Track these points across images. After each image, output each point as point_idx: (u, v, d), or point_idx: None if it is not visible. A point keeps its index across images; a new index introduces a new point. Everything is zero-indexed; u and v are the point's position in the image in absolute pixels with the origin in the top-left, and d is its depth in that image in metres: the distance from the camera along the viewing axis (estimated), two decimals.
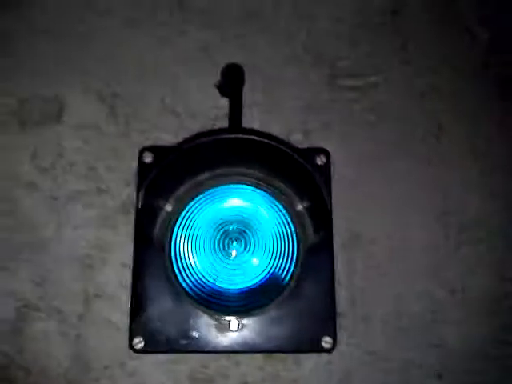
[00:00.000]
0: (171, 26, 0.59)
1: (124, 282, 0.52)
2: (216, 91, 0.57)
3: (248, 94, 0.57)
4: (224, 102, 0.57)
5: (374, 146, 0.57)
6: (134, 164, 0.54)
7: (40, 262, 0.52)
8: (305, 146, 0.57)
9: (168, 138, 0.56)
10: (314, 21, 0.61)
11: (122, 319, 0.51)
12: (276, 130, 0.57)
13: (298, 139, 0.57)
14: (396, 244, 0.54)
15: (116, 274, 0.52)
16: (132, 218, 0.53)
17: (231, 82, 0.54)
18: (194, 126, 0.57)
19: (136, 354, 0.47)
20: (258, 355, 0.51)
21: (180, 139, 0.56)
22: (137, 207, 0.48)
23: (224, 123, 0.57)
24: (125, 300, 0.52)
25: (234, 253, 0.46)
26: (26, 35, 0.57)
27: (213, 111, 0.57)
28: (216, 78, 0.57)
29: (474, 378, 0.52)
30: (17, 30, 0.58)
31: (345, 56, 0.59)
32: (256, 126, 0.57)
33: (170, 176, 0.46)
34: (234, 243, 0.46)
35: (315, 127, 0.57)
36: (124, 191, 0.54)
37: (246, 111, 0.56)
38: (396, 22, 0.62)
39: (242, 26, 0.60)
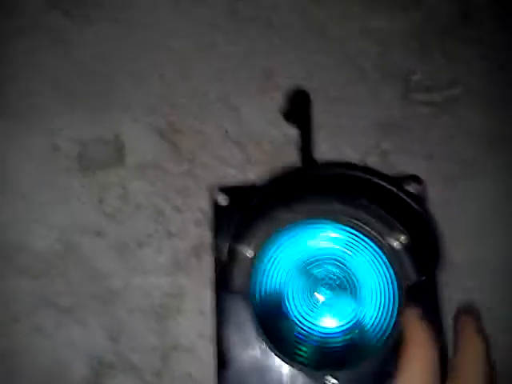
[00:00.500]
0: (230, 55, 0.56)
1: (202, 331, 0.49)
2: (280, 118, 0.54)
3: (315, 117, 0.53)
4: (290, 129, 0.53)
5: (458, 165, 0.52)
6: (203, 203, 0.52)
7: (112, 315, 0.50)
8: (383, 169, 0.52)
9: (234, 173, 0.53)
10: (380, 34, 0.57)
11: (203, 373, 0.48)
12: (348, 153, 0.53)
13: (374, 161, 0.53)
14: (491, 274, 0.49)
15: (193, 324, 0.49)
16: (205, 261, 0.50)
17: (298, 110, 0.51)
18: (260, 157, 0.53)
19: None
20: None
21: (247, 172, 0.52)
22: (215, 254, 0.44)
23: (291, 151, 0.53)
24: (205, 352, 0.48)
25: (323, 298, 0.42)
26: (78, 76, 0.55)
27: (279, 139, 0.54)
28: (279, 103, 0.54)
29: None
30: (69, 71, 0.56)
31: (417, 69, 0.55)
32: (325, 150, 0.53)
33: (248, 218, 0.43)
34: (324, 288, 0.42)
35: (391, 148, 0.53)
36: (195, 233, 0.51)
37: (315, 135, 0.52)
38: (468, 27, 0.57)
39: (304, 47, 0.56)
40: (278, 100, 0.55)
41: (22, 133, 0.54)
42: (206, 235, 0.51)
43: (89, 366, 0.49)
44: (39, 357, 0.49)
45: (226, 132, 0.54)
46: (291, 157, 0.52)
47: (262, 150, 0.54)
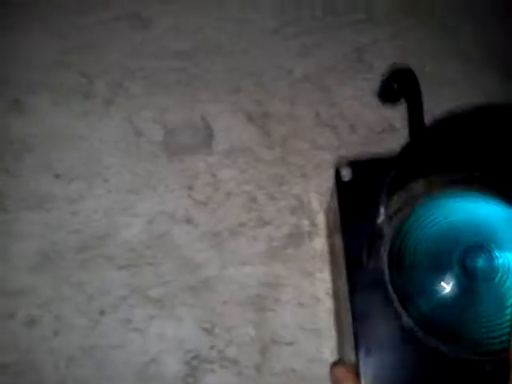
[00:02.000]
0: (319, 31, 0.55)
1: (303, 323, 0.48)
2: (377, 99, 0.52)
3: None
4: (387, 112, 0.52)
5: None
6: (298, 189, 0.50)
7: (206, 306, 0.49)
8: None
9: (329, 158, 0.52)
10: (478, 11, 0.55)
11: (307, 367, 0.47)
12: None
13: None
14: None
15: (293, 315, 0.48)
16: (302, 251, 0.49)
17: (404, 88, 0.50)
18: (355, 141, 0.52)
19: None
20: None
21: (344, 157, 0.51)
22: (343, 230, 0.43)
23: (389, 135, 0.52)
24: (307, 345, 0.47)
25: (478, 273, 0.39)
26: (161, 57, 0.55)
27: (377, 123, 0.52)
28: (373, 83, 0.53)
29: None
30: (150, 53, 0.55)
31: None
32: None
33: (383, 192, 0.41)
34: (476, 261, 0.40)
35: None
36: (290, 221, 0.50)
37: None
38: None
39: (395, 23, 0.55)
40: (371, 80, 0.53)
41: (104, 117, 0.53)
42: (303, 223, 0.50)
43: (184, 362, 0.47)
44: (129, 352, 0.48)
45: (317, 115, 0.53)
46: (388, 141, 0.51)
47: (356, 133, 0.53)
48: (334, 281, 0.46)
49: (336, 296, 0.46)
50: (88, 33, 0.55)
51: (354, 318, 0.39)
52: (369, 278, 0.39)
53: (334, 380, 0.37)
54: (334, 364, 0.40)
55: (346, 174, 0.42)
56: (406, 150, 0.40)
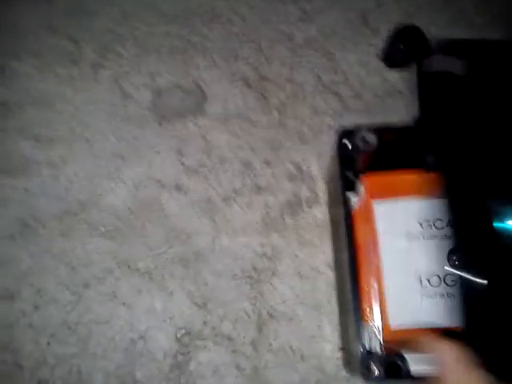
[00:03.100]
0: None
1: (302, 297, 0.45)
2: (381, 64, 0.51)
3: None
4: (393, 76, 0.51)
5: None
6: (295, 155, 0.49)
7: (199, 280, 0.46)
8: None
9: (331, 123, 0.50)
10: None
11: (306, 344, 0.44)
12: None
13: None
14: None
15: (291, 288, 0.46)
16: (300, 219, 0.47)
17: (409, 47, 0.48)
18: (359, 106, 0.51)
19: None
20: None
21: (345, 123, 0.50)
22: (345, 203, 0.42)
23: (395, 100, 0.51)
24: (306, 320, 0.45)
25: None
26: (155, 22, 0.53)
27: (381, 88, 0.51)
28: (378, 47, 0.51)
29: None
30: (144, 17, 0.54)
31: None
32: None
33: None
34: None
35: None
36: (288, 188, 0.48)
37: None
38: None
39: None
40: (376, 46, 0.52)
41: (91, 81, 0.52)
42: (301, 190, 0.48)
43: (174, 338, 0.45)
44: (115, 328, 0.46)
45: (319, 79, 0.52)
46: (394, 105, 0.50)
47: (360, 98, 0.51)
48: (337, 252, 0.45)
49: (339, 268, 0.44)
50: None
51: None
52: None
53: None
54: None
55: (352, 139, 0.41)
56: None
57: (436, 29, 0.52)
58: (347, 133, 0.42)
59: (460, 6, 0.53)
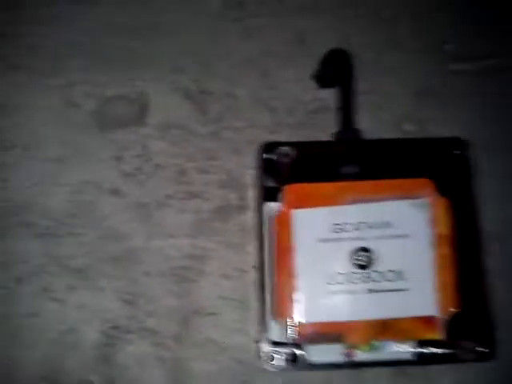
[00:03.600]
0: (263, 16, 0.60)
1: (226, 295, 0.50)
2: (313, 83, 0.57)
3: None
4: (324, 94, 0.57)
5: (498, 133, 0.56)
6: (229, 165, 0.54)
7: (128, 277, 0.51)
8: (419, 136, 0.56)
9: (263, 135, 0.55)
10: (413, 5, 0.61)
11: (226, 337, 0.49)
12: (386, 119, 0.56)
13: (410, 129, 0.56)
14: None
15: (216, 287, 0.51)
16: (230, 224, 0.52)
17: (336, 70, 0.54)
18: (291, 121, 0.56)
19: (245, 378, 0.46)
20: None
21: (278, 136, 0.55)
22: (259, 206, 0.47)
23: (324, 117, 0.56)
24: (228, 316, 0.50)
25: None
26: (104, 32, 0.59)
27: (312, 104, 0.57)
28: (312, 67, 0.57)
29: None
30: (94, 28, 0.59)
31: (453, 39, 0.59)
32: (364, 116, 0.56)
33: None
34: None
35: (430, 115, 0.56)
36: (219, 194, 0.53)
37: None
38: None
39: (338, 13, 0.60)
40: (310, 65, 0.58)
41: (38, 87, 0.57)
42: (232, 197, 0.53)
43: (102, 331, 0.49)
44: (46, 321, 0.50)
45: (256, 95, 0.57)
46: (325, 122, 0.55)
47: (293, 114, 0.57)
48: (260, 255, 0.49)
49: (261, 269, 0.49)
50: None
51: None
52: None
53: None
54: None
55: (271, 153, 0.47)
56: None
57: (370, 54, 0.58)
58: (269, 146, 0.48)
59: (396, 32, 0.59)
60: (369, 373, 0.49)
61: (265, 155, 0.49)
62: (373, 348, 0.46)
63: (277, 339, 0.45)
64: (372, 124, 0.56)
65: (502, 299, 0.50)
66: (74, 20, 0.59)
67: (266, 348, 0.45)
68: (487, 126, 0.55)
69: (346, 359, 0.45)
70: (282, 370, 0.45)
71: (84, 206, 0.53)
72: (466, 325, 0.45)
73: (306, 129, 0.56)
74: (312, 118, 0.56)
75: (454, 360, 0.45)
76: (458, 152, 0.48)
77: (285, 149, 0.48)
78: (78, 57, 0.58)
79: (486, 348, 0.44)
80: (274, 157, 0.48)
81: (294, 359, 0.44)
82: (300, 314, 0.45)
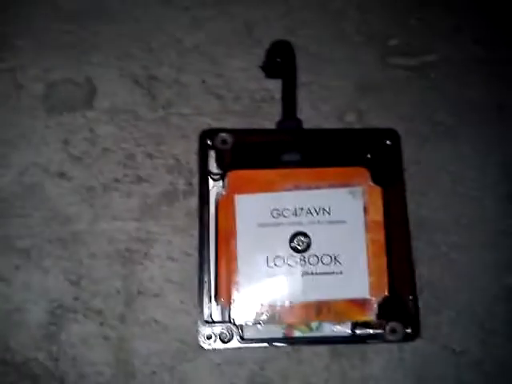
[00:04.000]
0: (211, 6, 0.62)
1: (170, 277, 0.53)
2: (261, 72, 0.59)
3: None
4: (270, 84, 0.59)
5: (430, 127, 0.60)
6: (176, 150, 0.56)
7: (75, 259, 0.53)
8: (359, 126, 0.59)
9: (210, 122, 0.58)
10: None
11: (170, 318, 0.52)
12: (327, 110, 0.59)
13: (351, 121, 0.59)
14: (466, 229, 0.56)
15: (161, 269, 0.53)
16: (176, 208, 0.55)
17: (281, 61, 0.57)
18: (238, 109, 0.59)
19: (187, 357, 0.49)
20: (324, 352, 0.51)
21: (224, 123, 0.57)
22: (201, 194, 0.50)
23: (270, 106, 0.59)
24: (171, 297, 0.52)
25: None
26: (52, 17, 0.59)
27: (258, 93, 0.59)
28: (260, 57, 0.59)
29: None
30: (42, 13, 0.60)
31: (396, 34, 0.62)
32: (306, 106, 0.59)
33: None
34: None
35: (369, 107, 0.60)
36: (166, 179, 0.55)
37: None
38: None
39: (286, 4, 0.63)
40: (257, 55, 0.60)
41: None
42: (179, 182, 0.56)
43: (47, 311, 0.51)
44: None
45: (203, 82, 0.59)
46: (271, 111, 0.58)
47: (239, 102, 0.59)
48: (203, 238, 0.52)
49: (204, 252, 0.52)
50: None
51: None
52: None
53: None
54: None
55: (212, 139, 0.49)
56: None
57: (316, 46, 0.61)
58: (208, 133, 0.50)
59: (342, 25, 0.62)
60: (306, 352, 0.52)
61: (205, 141, 0.51)
62: (310, 329, 0.49)
63: (216, 319, 0.48)
64: (315, 114, 0.59)
65: (426, 284, 0.54)
66: (23, 5, 0.59)
67: (205, 328, 0.48)
68: (422, 118, 0.59)
69: (284, 338, 0.48)
70: (220, 348, 0.48)
71: (31, 187, 0.54)
72: (395, 307, 0.48)
73: (252, 117, 0.58)
74: (258, 106, 0.59)
75: (384, 340, 0.48)
76: (390, 142, 0.51)
77: (224, 135, 0.50)
78: (27, 41, 0.58)
79: (411, 329, 0.48)
80: (216, 143, 0.50)
81: (232, 339, 0.47)
82: (239, 295, 0.48)
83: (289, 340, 0.48)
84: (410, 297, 0.48)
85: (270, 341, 0.48)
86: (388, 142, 0.51)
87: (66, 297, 0.51)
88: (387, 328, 0.47)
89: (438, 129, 0.59)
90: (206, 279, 0.48)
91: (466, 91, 0.61)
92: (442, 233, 0.56)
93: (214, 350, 0.48)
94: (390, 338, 0.47)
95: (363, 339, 0.48)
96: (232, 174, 0.50)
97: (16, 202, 0.53)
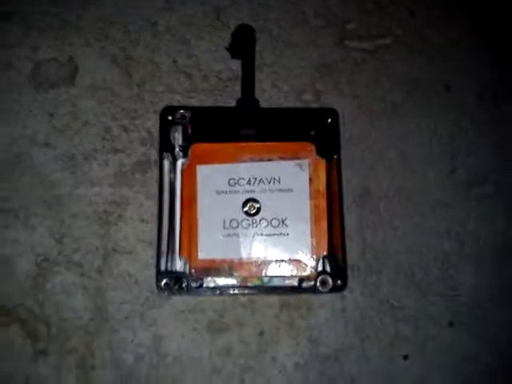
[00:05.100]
0: None
1: (142, 236, 0.62)
2: (227, 53, 0.68)
3: (258, 56, 0.68)
4: (236, 64, 0.68)
5: (383, 105, 0.68)
6: (149, 123, 0.65)
7: (58, 219, 0.62)
8: (316, 106, 0.68)
9: (180, 99, 0.67)
10: None
11: (141, 271, 0.61)
12: (286, 91, 0.68)
13: (308, 100, 0.68)
14: (406, 200, 0.65)
15: (133, 230, 0.62)
16: (148, 176, 0.63)
17: (243, 44, 0.65)
18: (206, 87, 0.67)
19: (155, 305, 0.59)
20: (275, 303, 0.61)
21: (193, 100, 0.66)
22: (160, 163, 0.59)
23: (234, 84, 0.67)
24: (143, 254, 0.62)
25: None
26: (39, 1, 0.68)
27: (225, 73, 0.68)
28: (227, 40, 0.68)
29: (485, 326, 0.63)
30: None
31: (354, 18, 0.70)
32: (267, 86, 0.67)
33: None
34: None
35: (325, 88, 0.68)
36: (140, 150, 0.64)
37: (256, 72, 0.67)
38: None
39: None
40: (225, 38, 0.69)
41: None
42: (151, 153, 0.65)
43: (34, 263, 0.61)
44: None
45: (175, 62, 0.68)
46: (235, 89, 0.67)
47: (207, 81, 0.68)
48: (161, 202, 0.61)
49: (171, 214, 0.61)
50: None
51: None
52: None
53: None
54: None
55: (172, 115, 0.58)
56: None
57: (278, 30, 0.69)
58: (169, 110, 0.59)
59: (303, 9, 0.70)
60: (259, 303, 0.62)
61: (166, 117, 0.60)
62: (262, 282, 0.59)
63: (179, 271, 0.58)
64: (276, 93, 0.67)
65: (369, 248, 0.63)
66: None
67: (169, 280, 0.57)
68: (374, 97, 0.68)
69: (238, 287, 0.58)
70: (182, 296, 0.58)
71: (19, 156, 0.63)
72: (330, 264, 0.58)
73: (219, 95, 0.67)
74: (224, 85, 0.67)
75: (322, 291, 0.58)
76: (331, 120, 0.60)
77: (182, 112, 0.59)
78: (16, 24, 0.67)
79: (341, 282, 0.58)
80: (175, 119, 0.59)
81: (192, 288, 0.57)
82: (199, 251, 0.58)
83: (242, 288, 0.57)
84: (341, 254, 0.57)
85: (225, 289, 0.57)
86: (329, 120, 0.60)
87: (51, 252, 0.60)
88: (318, 280, 0.56)
89: (388, 107, 0.67)
90: (163, 237, 0.57)
91: (416, 72, 0.68)
92: (385, 202, 0.64)
93: (176, 297, 0.57)
94: (326, 289, 0.56)
95: (305, 291, 0.58)
96: (194, 147, 0.59)
97: (6, 168, 0.62)
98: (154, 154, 0.63)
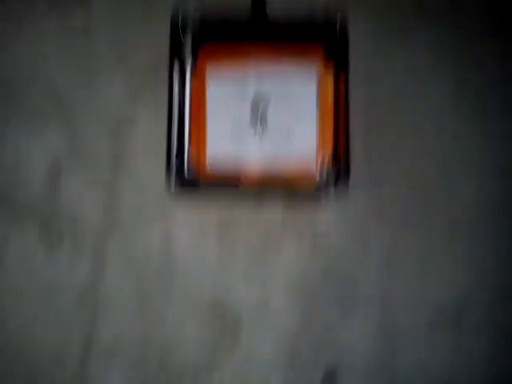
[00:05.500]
0: None
1: (153, 137, 0.64)
2: None
3: None
4: None
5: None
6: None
7: (71, 127, 0.65)
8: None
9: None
10: None
11: (150, 173, 0.64)
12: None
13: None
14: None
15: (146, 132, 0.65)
16: (159, 81, 0.65)
17: None
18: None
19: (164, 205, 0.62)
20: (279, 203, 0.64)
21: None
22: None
23: None
24: (154, 155, 0.64)
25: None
26: None
27: None
28: None
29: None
30: None
31: None
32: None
33: None
34: None
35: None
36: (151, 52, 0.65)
37: None
38: None
39: None
40: None
41: None
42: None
43: (49, 169, 0.64)
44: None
45: None
46: None
47: None
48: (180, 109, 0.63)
49: (180, 120, 0.63)
50: None
51: None
52: None
53: None
54: None
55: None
56: None
57: None
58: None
59: None
60: (264, 204, 0.65)
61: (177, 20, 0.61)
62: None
63: (188, 172, 0.60)
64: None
65: (356, 157, 0.65)
66: None
67: (178, 182, 0.60)
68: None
69: (246, 188, 0.61)
70: (191, 197, 0.61)
71: (34, 75, 0.66)
72: (335, 174, 0.60)
73: None
74: None
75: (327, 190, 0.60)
76: (340, 27, 0.61)
77: (191, 13, 0.60)
78: None
79: (343, 191, 0.60)
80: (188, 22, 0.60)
81: (200, 189, 0.60)
82: (207, 153, 0.60)
83: (249, 187, 0.60)
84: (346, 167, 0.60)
85: (233, 189, 0.60)
86: (339, 27, 0.61)
87: (66, 156, 0.63)
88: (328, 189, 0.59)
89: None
90: (173, 136, 0.60)
91: None
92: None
93: (185, 198, 0.61)
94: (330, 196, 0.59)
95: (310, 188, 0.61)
96: (204, 48, 0.61)
97: (21, 84, 0.65)
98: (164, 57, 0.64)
